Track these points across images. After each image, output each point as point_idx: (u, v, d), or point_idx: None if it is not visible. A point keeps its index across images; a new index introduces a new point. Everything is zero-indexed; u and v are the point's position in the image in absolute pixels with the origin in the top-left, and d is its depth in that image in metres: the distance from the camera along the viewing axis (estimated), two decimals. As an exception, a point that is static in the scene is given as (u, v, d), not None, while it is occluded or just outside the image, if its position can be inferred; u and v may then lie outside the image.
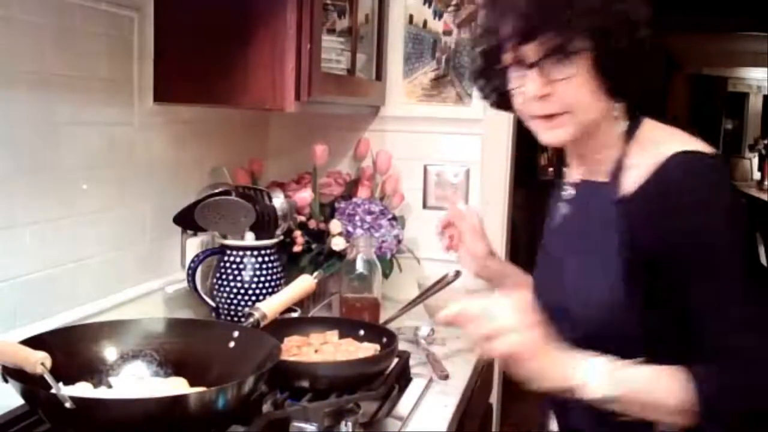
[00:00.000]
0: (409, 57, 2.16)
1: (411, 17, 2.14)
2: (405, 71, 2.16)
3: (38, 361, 0.98)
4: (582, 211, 1.13)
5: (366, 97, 2.06)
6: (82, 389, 1.06)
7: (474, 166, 2.15)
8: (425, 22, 2.14)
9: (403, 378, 1.36)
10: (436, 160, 2.17)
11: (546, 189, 1.31)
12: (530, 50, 1.02)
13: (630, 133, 1.08)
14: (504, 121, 2.12)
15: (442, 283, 1.78)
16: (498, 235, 2.16)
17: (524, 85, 1.04)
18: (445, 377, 1.52)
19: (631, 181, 1.02)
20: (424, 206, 2.18)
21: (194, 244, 1.73)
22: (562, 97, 1.03)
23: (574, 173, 1.18)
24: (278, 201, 1.73)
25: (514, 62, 1.05)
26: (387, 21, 2.12)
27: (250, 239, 1.67)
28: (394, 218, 1.99)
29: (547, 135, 1.07)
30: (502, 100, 1.15)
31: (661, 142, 1.02)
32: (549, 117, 1.05)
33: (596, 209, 1.08)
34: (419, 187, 2.18)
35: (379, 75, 2.09)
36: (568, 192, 1.18)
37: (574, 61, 1.00)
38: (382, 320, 1.74)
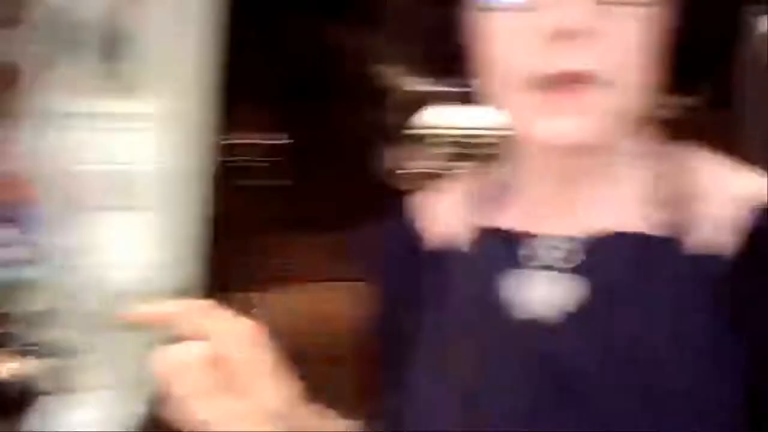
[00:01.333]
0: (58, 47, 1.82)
1: None
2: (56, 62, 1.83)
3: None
4: (621, 291, 0.59)
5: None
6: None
7: (145, 166, 1.86)
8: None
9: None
10: (99, 160, 1.84)
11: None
12: None
13: (670, 154, 0.63)
14: (187, 115, 1.81)
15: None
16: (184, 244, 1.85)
17: (541, 9, 0.54)
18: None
19: (711, 236, 0.57)
20: (89, 210, 1.84)
21: None
22: (617, 42, 0.54)
23: (551, 220, 0.63)
24: None
25: None
26: None
27: None
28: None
29: (562, 122, 0.55)
30: (457, 53, 0.61)
31: (731, 174, 0.61)
32: (575, 81, 0.54)
33: (653, 285, 0.58)
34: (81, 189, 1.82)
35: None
36: (567, 255, 0.62)
37: None
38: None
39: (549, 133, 0.55)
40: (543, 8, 0.53)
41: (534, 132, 0.56)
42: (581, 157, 0.59)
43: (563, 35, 0.52)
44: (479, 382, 0.60)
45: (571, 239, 0.60)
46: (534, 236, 0.62)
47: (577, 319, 0.58)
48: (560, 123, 0.55)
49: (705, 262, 0.56)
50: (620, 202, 0.61)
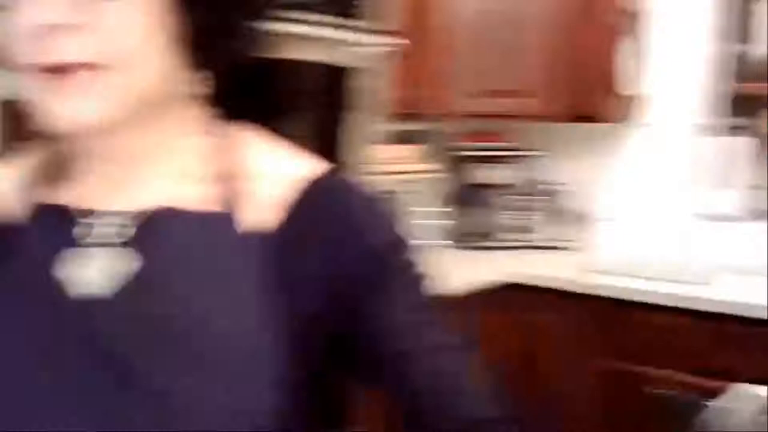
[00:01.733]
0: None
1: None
2: None
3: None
4: (174, 264, 0.60)
5: None
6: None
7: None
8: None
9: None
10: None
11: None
12: None
13: (222, 133, 0.65)
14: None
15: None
16: None
17: (24, 7, 0.56)
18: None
19: (259, 212, 0.61)
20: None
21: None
22: (107, 31, 0.56)
23: (106, 196, 0.63)
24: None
25: None
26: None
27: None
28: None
29: (66, 108, 0.56)
30: None
31: (279, 154, 0.65)
32: (69, 70, 0.56)
33: (204, 257, 0.60)
34: None
35: None
36: (120, 231, 0.61)
37: None
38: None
39: (52, 117, 0.57)
40: (24, 6, 0.55)
41: (43, 116, 0.57)
42: (102, 138, 0.59)
43: (44, 31, 0.54)
44: (31, 361, 0.59)
45: (123, 215, 0.61)
46: (89, 213, 0.62)
47: (129, 293, 0.59)
48: (61, 107, 0.56)
49: (253, 236, 0.59)
50: (174, 179, 0.62)
